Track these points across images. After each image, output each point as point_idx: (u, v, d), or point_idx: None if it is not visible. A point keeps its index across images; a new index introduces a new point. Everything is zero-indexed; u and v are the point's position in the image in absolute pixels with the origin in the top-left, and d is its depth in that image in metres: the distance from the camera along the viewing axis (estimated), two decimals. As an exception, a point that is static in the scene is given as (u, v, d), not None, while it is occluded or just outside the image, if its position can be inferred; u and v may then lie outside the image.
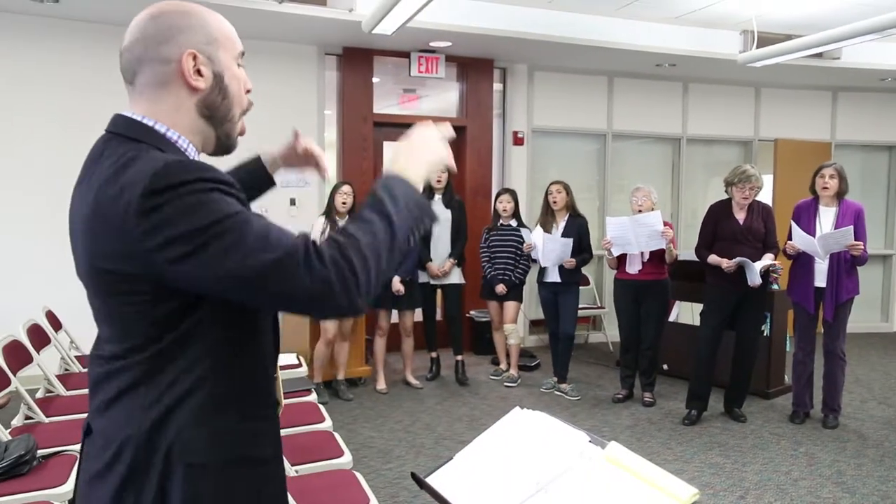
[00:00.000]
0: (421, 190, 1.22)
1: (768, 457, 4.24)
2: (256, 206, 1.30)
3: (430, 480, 1.30)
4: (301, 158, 1.64)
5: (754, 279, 4.58)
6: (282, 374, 1.36)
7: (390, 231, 1.12)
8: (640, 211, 5.10)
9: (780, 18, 6.07)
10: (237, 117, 1.24)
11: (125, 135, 1.14)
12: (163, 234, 1.01)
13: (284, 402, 1.44)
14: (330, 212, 5.20)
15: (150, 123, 1.15)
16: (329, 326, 5.19)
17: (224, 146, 1.25)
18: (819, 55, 6.51)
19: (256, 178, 1.65)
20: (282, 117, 6.24)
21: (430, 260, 5.62)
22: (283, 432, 3.24)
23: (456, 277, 5.73)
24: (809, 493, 3.71)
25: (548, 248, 5.29)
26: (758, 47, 5.91)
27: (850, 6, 5.63)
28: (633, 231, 4.98)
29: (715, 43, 6.54)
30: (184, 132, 1.17)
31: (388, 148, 1.14)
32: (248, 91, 1.26)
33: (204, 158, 1.22)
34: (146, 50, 1.15)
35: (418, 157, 1.26)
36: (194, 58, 1.15)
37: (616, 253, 5.14)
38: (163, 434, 1.11)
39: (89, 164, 1.15)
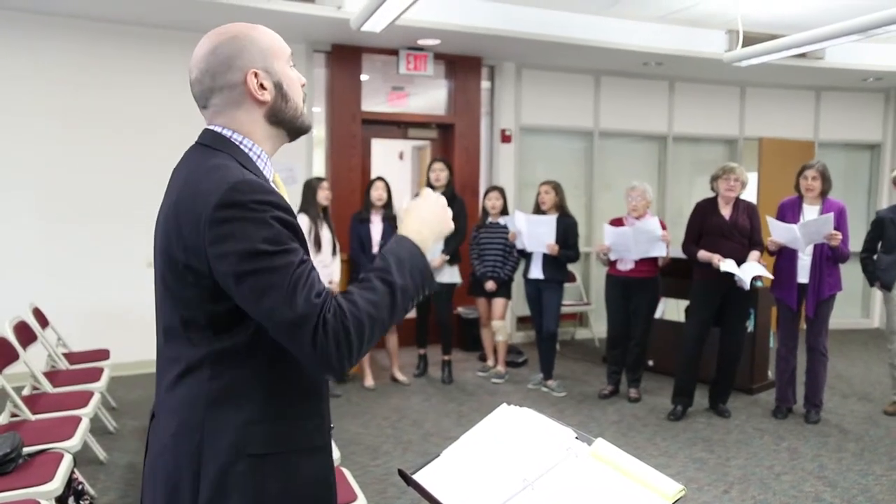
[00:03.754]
0: (426, 255, 1.33)
1: (752, 451, 4.30)
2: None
3: (417, 477, 1.31)
4: None
5: (744, 284, 4.62)
6: None
7: (391, 300, 1.24)
8: (634, 209, 5.14)
9: (765, 18, 6.12)
10: (301, 109, 1.41)
11: (210, 145, 1.32)
12: (223, 247, 1.17)
13: None
14: (309, 208, 5.19)
15: (229, 135, 1.34)
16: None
17: (299, 132, 1.43)
18: (803, 55, 6.57)
19: None
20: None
21: None
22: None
23: (448, 276, 5.71)
24: (792, 488, 3.77)
25: (531, 230, 5.31)
26: (743, 47, 5.95)
27: (834, 7, 5.68)
28: (634, 238, 5.01)
29: (701, 42, 6.59)
30: (258, 141, 1.36)
31: (400, 211, 1.28)
32: (302, 85, 1.42)
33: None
34: (214, 80, 1.32)
35: (428, 223, 1.38)
36: (255, 75, 1.32)
37: (613, 258, 5.18)
38: (228, 427, 1.25)
39: (180, 166, 1.34)
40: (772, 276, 4.80)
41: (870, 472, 4.00)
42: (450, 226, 1.41)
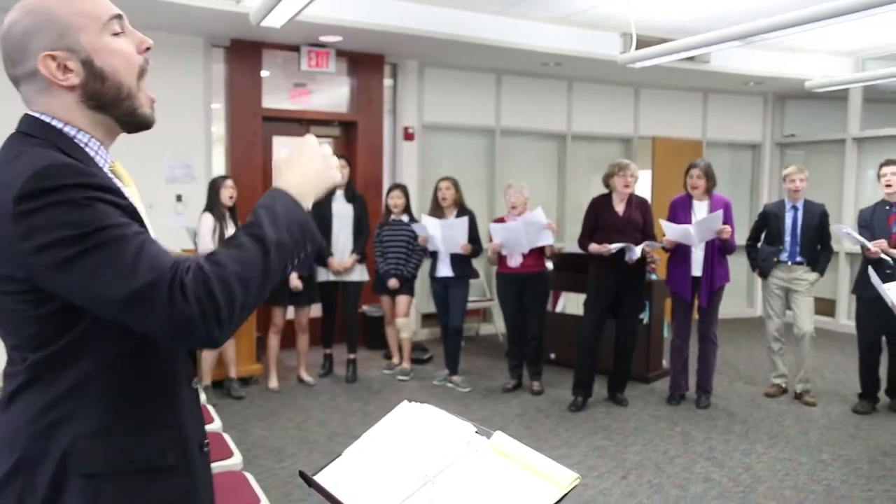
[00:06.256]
0: (308, 207, 1.19)
1: (648, 437, 4.50)
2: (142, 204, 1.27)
3: (318, 478, 1.30)
4: None
5: (632, 256, 4.81)
6: None
7: (264, 258, 1.09)
8: (514, 207, 5.30)
9: (657, 22, 6.39)
10: (133, 89, 1.18)
11: (27, 132, 1.13)
12: (36, 240, 1.00)
13: None
14: (214, 207, 5.06)
15: (48, 120, 1.14)
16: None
17: (133, 124, 1.21)
18: (691, 59, 6.90)
19: None
20: (167, 111, 5.98)
21: (332, 255, 5.55)
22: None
23: (358, 274, 5.68)
24: (684, 470, 3.97)
25: (446, 233, 5.35)
26: (636, 49, 6.19)
27: (722, 14, 6.00)
28: (525, 231, 5.13)
29: (597, 44, 6.80)
30: (82, 127, 1.16)
31: (275, 161, 1.12)
32: (146, 49, 1.21)
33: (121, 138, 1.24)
34: (14, 68, 1.14)
35: (306, 172, 1.22)
36: (53, 58, 1.11)
37: (505, 253, 5.29)
38: (56, 442, 1.10)
39: None
40: (660, 245, 5.01)
41: (753, 451, 4.26)
42: (333, 175, 1.26)
